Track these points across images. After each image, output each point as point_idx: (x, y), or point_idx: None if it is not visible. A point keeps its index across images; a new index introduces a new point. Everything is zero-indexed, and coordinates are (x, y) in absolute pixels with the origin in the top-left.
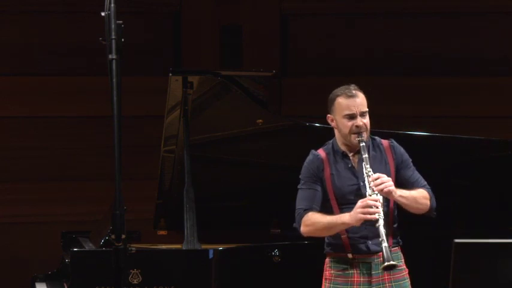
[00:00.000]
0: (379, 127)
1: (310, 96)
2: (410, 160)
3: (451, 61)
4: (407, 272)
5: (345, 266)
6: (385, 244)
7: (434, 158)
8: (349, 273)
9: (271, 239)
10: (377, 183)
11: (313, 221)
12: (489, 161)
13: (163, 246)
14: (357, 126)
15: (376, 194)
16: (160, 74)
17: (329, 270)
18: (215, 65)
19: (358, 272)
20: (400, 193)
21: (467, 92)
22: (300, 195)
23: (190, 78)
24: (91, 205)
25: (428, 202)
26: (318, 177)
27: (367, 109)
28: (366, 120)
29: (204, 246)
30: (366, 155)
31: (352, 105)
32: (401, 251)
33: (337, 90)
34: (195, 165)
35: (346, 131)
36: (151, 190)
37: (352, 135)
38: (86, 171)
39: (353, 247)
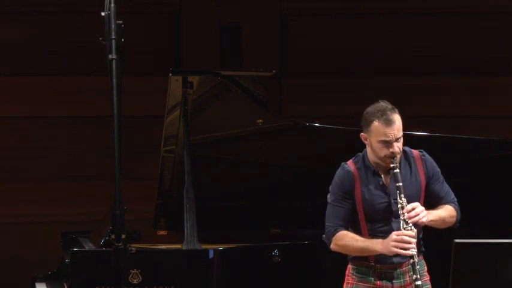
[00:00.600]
0: None
1: (310, 96)
2: (440, 172)
3: (451, 61)
4: (429, 278)
5: (367, 275)
6: (418, 282)
7: (434, 158)
8: (371, 279)
9: (271, 239)
10: (411, 216)
11: (345, 243)
12: (489, 161)
13: (163, 246)
14: (392, 152)
15: (411, 227)
16: (160, 74)
17: (351, 276)
18: (215, 65)
19: (381, 280)
20: (431, 218)
21: (467, 92)
22: (330, 211)
23: (190, 78)
24: (91, 205)
25: (454, 219)
26: (348, 194)
27: (401, 133)
28: (400, 143)
29: (204, 246)
30: (400, 184)
31: (389, 133)
32: (424, 259)
33: (375, 112)
34: (195, 165)
35: (381, 154)
36: (151, 190)
37: (387, 160)
38: (86, 171)
39: (377, 259)
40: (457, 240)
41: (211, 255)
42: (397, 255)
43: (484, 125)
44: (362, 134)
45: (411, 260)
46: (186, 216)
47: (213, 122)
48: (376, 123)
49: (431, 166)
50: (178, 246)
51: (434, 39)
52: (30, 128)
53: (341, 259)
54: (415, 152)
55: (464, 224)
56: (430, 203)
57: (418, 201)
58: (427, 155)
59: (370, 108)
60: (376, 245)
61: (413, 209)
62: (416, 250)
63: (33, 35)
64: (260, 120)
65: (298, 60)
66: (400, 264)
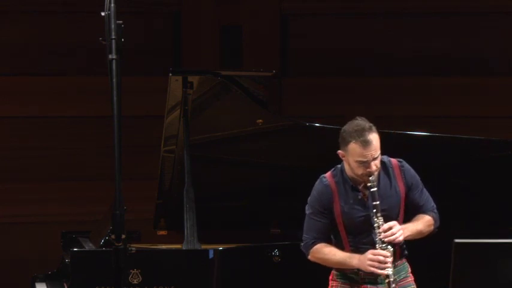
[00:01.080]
0: (379, 127)
1: (310, 96)
2: (420, 181)
3: (451, 61)
4: (413, 279)
5: (351, 279)
6: None
7: (434, 158)
8: (355, 285)
9: (271, 239)
10: (387, 235)
11: (322, 256)
12: (489, 161)
13: (163, 246)
14: (370, 172)
15: (387, 247)
16: (160, 74)
17: (336, 281)
18: (215, 65)
19: (365, 285)
20: (408, 233)
21: (467, 92)
22: (308, 223)
23: (190, 78)
24: (91, 205)
25: (431, 228)
26: (327, 209)
27: (379, 151)
28: (378, 161)
29: (204, 246)
30: (378, 202)
31: (366, 153)
32: (408, 262)
33: (352, 132)
34: (195, 165)
35: (358, 173)
36: (151, 190)
37: (364, 178)
38: (86, 171)
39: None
40: (457, 240)
41: (211, 255)
42: None
43: (484, 125)
44: (339, 151)
45: (387, 280)
46: (186, 216)
47: (213, 122)
48: (353, 144)
49: (410, 176)
50: (178, 246)
51: (434, 39)
52: (30, 128)
53: None
54: (394, 162)
55: (465, 224)
56: (410, 211)
57: (399, 211)
58: (406, 165)
59: (348, 127)
60: (353, 260)
61: (389, 228)
62: (392, 269)
63: (33, 35)
64: (260, 120)
65: (298, 60)
66: (383, 272)
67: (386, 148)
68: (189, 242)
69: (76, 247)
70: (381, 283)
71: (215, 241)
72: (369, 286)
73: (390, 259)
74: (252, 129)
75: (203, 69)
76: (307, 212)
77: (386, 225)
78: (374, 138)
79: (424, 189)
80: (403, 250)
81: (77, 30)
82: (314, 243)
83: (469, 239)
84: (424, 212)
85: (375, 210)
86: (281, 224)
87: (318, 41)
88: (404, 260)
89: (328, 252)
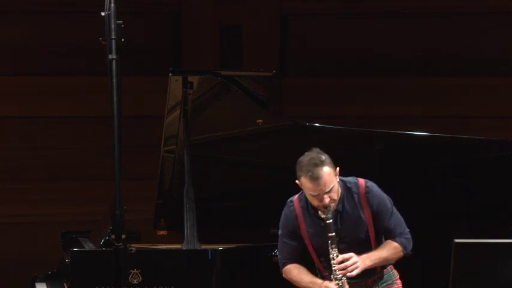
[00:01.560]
0: (379, 127)
1: (310, 96)
2: (389, 205)
3: (451, 61)
4: (400, 285)
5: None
6: None
7: (434, 158)
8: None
9: (271, 239)
10: (340, 268)
11: (291, 278)
12: (489, 161)
13: (163, 246)
14: (323, 205)
15: (341, 278)
16: (160, 74)
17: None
18: (215, 65)
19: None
20: (369, 263)
21: (467, 92)
22: (280, 245)
23: (190, 78)
24: (91, 205)
25: (400, 255)
26: (293, 232)
27: (333, 184)
28: (333, 193)
29: (204, 246)
30: (333, 234)
31: (316, 188)
32: (395, 268)
33: (302, 167)
34: (195, 165)
35: (314, 204)
36: (151, 190)
37: (320, 209)
38: (86, 171)
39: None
40: (457, 240)
41: (211, 255)
42: (360, 274)
43: (484, 125)
44: (297, 181)
45: None
46: (186, 216)
47: (213, 122)
48: (303, 178)
49: (376, 202)
50: (178, 246)
51: (434, 39)
52: (30, 128)
53: None
54: (361, 187)
55: (465, 224)
56: (382, 235)
57: (367, 236)
58: (373, 190)
59: (302, 159)
60: (315, 286)
61: (343, 260)
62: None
63: (33, 35)
64: (260, 120)
65: (298, 60)
66: (366, 280)
67: (386, 148)
68: (189, 242)
69: (76, 247)
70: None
71: (215, 241)
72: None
73: None
74: (252, 129)
75: (203, 69)
76: (279, 233)
77: (340, 257)
78: (325, 173)
79: (395, 214)
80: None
81: (77, 30)
82: (285, 264)
83: (469, 239)
84: (394, 238)
85: (330, 241)
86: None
87: (318, 41)
88: (389, 268)
89: (296, 275)
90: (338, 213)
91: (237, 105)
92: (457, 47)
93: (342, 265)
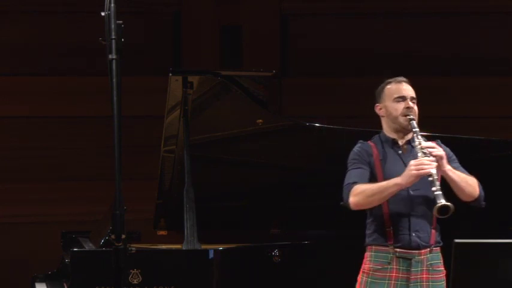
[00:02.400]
0: (379, 127)
1: (310, 96)
2: (457, 159)
3: (451, 61)
4: (445, 273)
5: (384, 261)
6: (437, 192)
7: None
8: (387, 268)
9: (271, 239)
10: (429, 146)
11: (363, 188)
12: (489, 161)
13: (163, 246)
14: (408, 108)
15: (428, 157)
16: (160, 74)
17: (368, 264)
18: (215, 65)
19: (398, 267)
20: (451, 168)
21: (467, 92)
22: (348, 175)
23: (190, 78)
24: (91, 205)
25: (477, 188)
26: (366, 161)
27: (416, 100)
28: (415, 107)
29: (204, 246)
30: (417, 129)
31: (402, 89)
32: (441, 252)
33: (387, 80)
34: (195, 165)
35: (397, 113)
36: (151, 190)
37: (403, 118)
38: (86, 171)
39: (395, 239)
40: (457, 240)
41: (211, 255)
42: (414, 234)
43: (484, 125)
44: (377, 105)
45: (429, 178)
46: (186, 216)
47: (213, 122)
48: (388, 86)
49: (447, 150)
50: (178, 246)
51: (434, 39)
52: (30, 128)
53: (341, 259)
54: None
55: (465, 224)
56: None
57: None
58: (440, 143)
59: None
60: (395, 179)
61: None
62: (436, 171)
63: (33, 35)
64: (260, 120)
65: (298, 60)
66: (419, 250)
67: None
68: (189, 242)
69: (76, 247)
70: (415, 266)
71: (215, 241)
72: (400, 272)
73: (434, 163)
74: (252, 129)
75: (203, 69)
76: (347, 169)
77: (427, 143)
78: (409, 84)
79: (461, 167)
80: (437, 236)
81: (77, 30)
82: (354, 184)
83: (469, 239)
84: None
85: (415, 135)
86: (281, 224)
87: (318, 41)
88: (438, 249)
89: (367, 185)
90: (410, 147)
91: (237, 105)
92: (457, 47)
93: (429, 144)
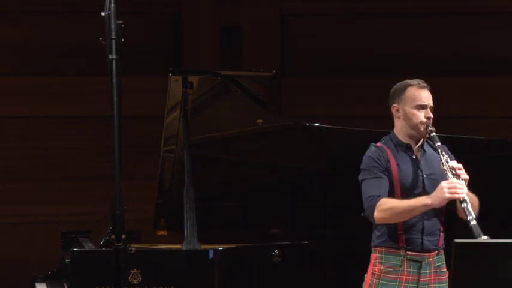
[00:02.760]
0: (379, 128)
1: (310, 96)
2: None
3: (450, 61)
4: (447, 275)
5: (395, 263)
6: (474, 222)
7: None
8: (399, 270)
9: (271, 239)
10: (459, 167)
11: (391, 205)
12: (489, 161)
13: (163, 246)
14: (428, 118)
15: (458, 179)
16: (160, 74)
17: (378, 266)
18: (215, 65)
19: (408, 270)
20: (468, 192)
21: (467, 92)
22: (368, 184)
23: (190, 78)
24: (91, 205)
25: (477, 210)
26: (384, 167)
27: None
28: (432, 116)
29: (204, 246)
30: (439, 143)
31: (425, 97)
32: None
33: (407, 81)
34: (195, 165)
35: (417, 121)
36: (151, 190)
37: (422, 126)
38: (86, 171)
39: (407, 242)
40: (457, 240)
41: (211, 255)
42: (426, 238)
43: (484, 125)
44: (394, 106)
45: (463, 205)
46: (186, 216)
47: (213, 122)
48: (411, 89)
49: (452, 157)
50: (178, 246)
51: (435, 39)
52: (30, 128)
53: (341, 259)
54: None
55: (465, 224)
56: None
57: None
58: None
59: (399, 83)
60: (424, 199)
61: (458, 167)
62: (467, 197)
63: (33, 35)
64: (260, 120)
65: (298, 60)
66: (429, 253)
67: None
68: (189, 242)
69: (76, 247)
70: (424, 269)
71: (215, 241)
72: (411, 275)
73: (465, 187)
74: (252, 129)
75: (203, 69)
76: (363, 177)
77: (455, 163)
78: (429, 90)
79: None
80: (443, 238)
81: (77, 30)
82: (379, 197)
83: (469, 239)
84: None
85: (439, 150)
86: (281, 224)
87: (318, 41)
88: (443, 250)
89: (395, 201)
90: (423, 151)
91: (237, 105)
92: (457, 47)
93: (457, 165)
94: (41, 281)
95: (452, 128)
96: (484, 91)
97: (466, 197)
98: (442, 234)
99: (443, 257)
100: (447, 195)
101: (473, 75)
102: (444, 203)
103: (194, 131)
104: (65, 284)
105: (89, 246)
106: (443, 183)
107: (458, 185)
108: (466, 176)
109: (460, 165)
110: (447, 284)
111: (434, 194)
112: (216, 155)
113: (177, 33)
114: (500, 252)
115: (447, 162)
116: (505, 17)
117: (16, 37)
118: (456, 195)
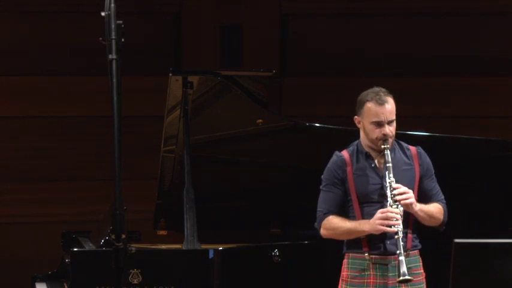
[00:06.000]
0: None
1: (310, 96)
2: (433, 171)
3: (451, 61)
4: (424, 276)
5: (361, 267)
6: (401, 258)
7: (434, 158)
8: (365, 274)
9: (271, 239)
10: (400, 192)
11: (333, 226)
12: (489, 161)
13: (163, 246)
14: (384, 135)
15: (397, 206)
16: (160, 74)
17: (346, 271)
18: (215, 65)
19: (375, 273)
20: (420, 207)
21: (466, 92)
22: (321, 197)
23: (190, 78)
24: (91, 205)
25: (441, 217)
26: (339, 179)
27: (394, 118)
28: (393, 127)
29: (204, 246)
30: (390, 164)
31: (381, 113)
32: (420, 255)
33: (368, 94)
34: (195, 165)
35: (373, 136)
36: (151, 190)
37: (378, 142)
38: (86, 171)
39: (370, 245)
40: (457, 240)
41: (211, 255)
42: (389, 241)
43: (484, 125)
44: (356, 117)
45: (395, 236)
46: (186, 216)
47: (213, 122)
48: (368, 104)
49: (426, 162)
50: (178, 246)
51: (435, 39)
52: (30, 128)
53: (341, 259)
54: (412, 147)
55: (465, 224)
56: (421, 200)
57: (412, 190)
58: (422, 151)
59: (364, 92)
60: (364, 225)
61: (402, 190)
62: (401, 227)
63: (33, 35)
64: (260, 120)
65: (298, 60)
66: (394, 255)
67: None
68: (189, 242)
69: (76, 247)
70: (392, 271)
71: (215, 241)
72: (378, 278)
73: (400, 216)
74: (252, 129)
75: (203, 69)
76: (321, 187)
77: (398, 187)
78: (390, 101)
79: (436, 182)
80: (415, 239)
81: (77, 30)
82: (326, 215)
83: (469, 239)
84: (437, 201)
85: (387, 171)
86: (281, 224)
87: (318, 41)
88: (417, 252)
89: (339, 221)
90: (394, 156)
91: (237, 105)
92: (457, 47)
93: (401, 190)
94: (41, 281)
95: (452, 128)
96: (484, 91)
97: (399, 228)
98: (410, 235)
99: (416, 258)
100: (379, 227)
101: (473, 75)
102: (379, 232)
103: (194, 131)
104: (65, 284)
105: (89, 246)
106: (378, 213)
107: (390, 215)
108: (409, 201)
109: (404, 189)
110: (423, 285)
111: (371, 221)
112: (216, 155)
113: (177, 33)
114: (500, 252)
115: (390, 186)
116: (505, 17)
117: (16, 37)
118: (387, 229)
